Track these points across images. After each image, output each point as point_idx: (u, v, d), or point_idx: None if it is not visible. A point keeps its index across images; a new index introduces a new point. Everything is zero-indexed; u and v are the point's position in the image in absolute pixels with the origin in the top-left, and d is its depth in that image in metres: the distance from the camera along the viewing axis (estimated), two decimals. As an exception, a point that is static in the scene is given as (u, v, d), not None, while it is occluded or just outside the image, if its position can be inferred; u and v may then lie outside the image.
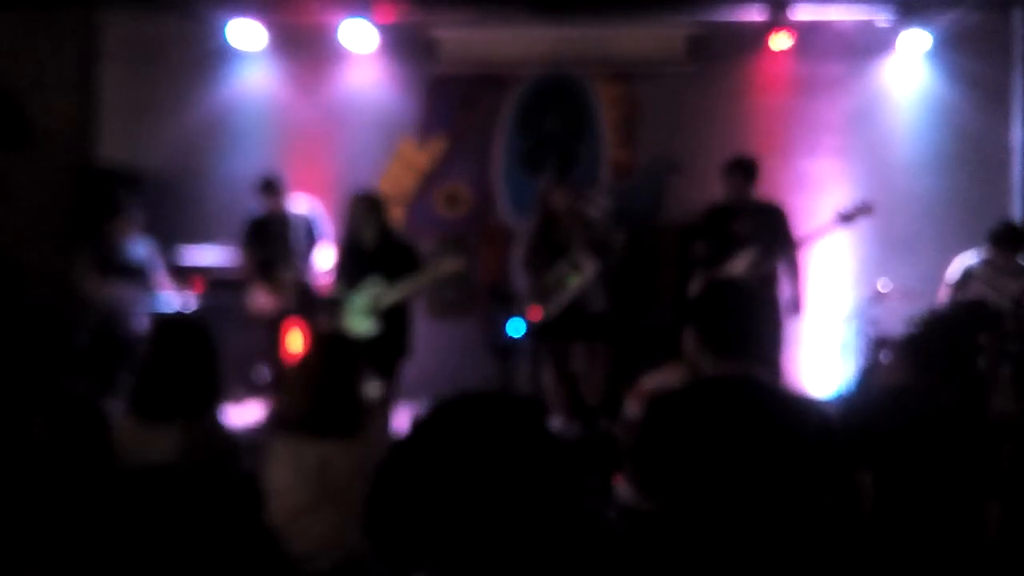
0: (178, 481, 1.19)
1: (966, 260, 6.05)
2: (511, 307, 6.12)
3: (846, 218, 5.91)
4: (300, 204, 6.59)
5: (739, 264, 5.91)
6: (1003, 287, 5.80)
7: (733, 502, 1.85)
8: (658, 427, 2.18)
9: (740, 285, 5.55)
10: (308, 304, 6.25)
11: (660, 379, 3.32)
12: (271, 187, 6.41)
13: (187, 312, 6.33)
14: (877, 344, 5.88)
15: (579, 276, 5.77)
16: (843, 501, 2.09)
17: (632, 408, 3.37)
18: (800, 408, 2.36)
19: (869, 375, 5.55)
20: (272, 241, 6.41)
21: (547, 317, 5.76)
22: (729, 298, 2.64)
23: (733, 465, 1.95)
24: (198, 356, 3.04)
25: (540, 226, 6.03)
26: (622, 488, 3.30)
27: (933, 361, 3.08)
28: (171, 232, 6.88)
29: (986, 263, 5.95)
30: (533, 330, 5.77)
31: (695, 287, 6.00)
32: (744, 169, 6.04)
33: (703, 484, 1.90)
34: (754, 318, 2.64)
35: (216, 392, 3.09)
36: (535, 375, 6.19)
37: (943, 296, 6.02)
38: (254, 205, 6.52)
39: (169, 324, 3.41)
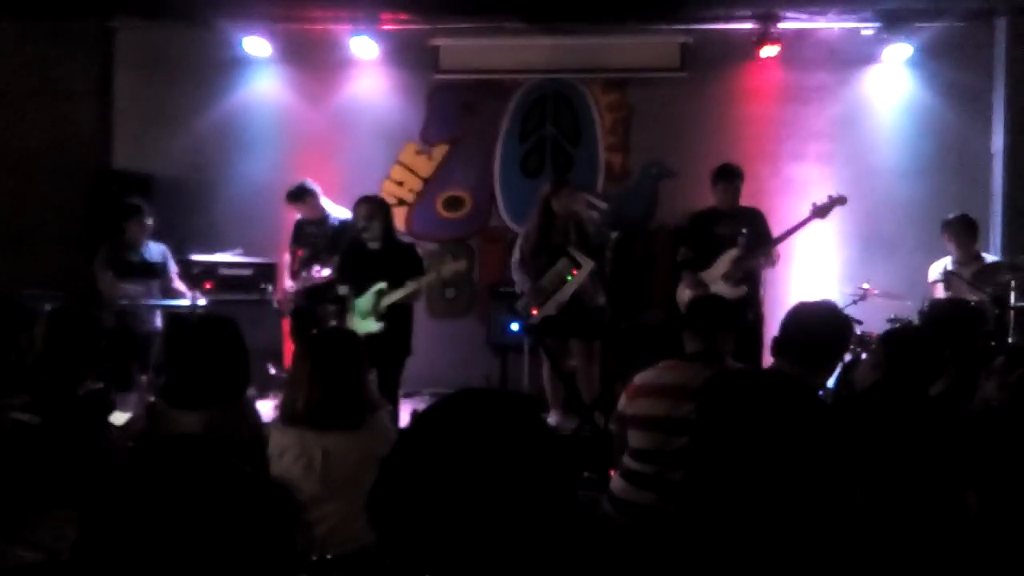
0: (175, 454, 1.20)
1: (943, 263, 6.16)
2: (510, 307, 6.21)
3: (821, 210, 5.98)
4: (344, 211, 6.64)
5: (722, 265, 6.09)
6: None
7: (758, 494, 1.83)
8: (718, 411, 2.06)
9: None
10: (315, 303, 6.44)
11: (653, 376, 3.42)
12: (293, 195, 6.67)
13: (206, 311, 6.50)
14: (859, 342, 5.98)
15: (577, 275, 5.77)
16: (836, 494, 2.10)
17: (626, 404, 3.50)
18: (815, 403, 2.36)
19: (850, 372, 5.63)
20: (305, 243, 6.67)
21: (545, 315, 5.75)
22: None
23: (764, 457, 1.91)
24: (229, 347, 3.18)
25: (540, 227, 6.07)
26: (617, 482, 3.40)
27: (912, 358, 3.08)
28: (183, 235, 7.04)
29: (961, 264, 6.05)
30: (532, 328, 5.81)
31: (681, 289, 6.19)
32: (732, 176, 6.19)
33: (743, 474, 1.86)
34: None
35: (245, 380, 3.22)
36: (535, 373, 6.30)
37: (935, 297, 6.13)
38: (298, 212, 6.76)
39: (200, 319, 3.55)
